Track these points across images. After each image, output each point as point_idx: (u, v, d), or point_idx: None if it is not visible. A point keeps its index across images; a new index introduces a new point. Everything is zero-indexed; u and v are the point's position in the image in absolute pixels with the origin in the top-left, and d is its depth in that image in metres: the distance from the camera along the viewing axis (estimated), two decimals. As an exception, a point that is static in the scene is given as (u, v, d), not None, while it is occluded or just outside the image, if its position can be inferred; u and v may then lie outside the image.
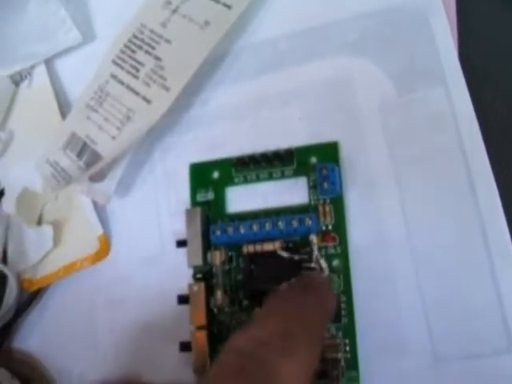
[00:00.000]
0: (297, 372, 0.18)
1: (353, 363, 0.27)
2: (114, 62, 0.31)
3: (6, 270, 0.31)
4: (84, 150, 0.30)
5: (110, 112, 0.30)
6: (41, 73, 0.33)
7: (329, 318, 0.25)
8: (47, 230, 0.31)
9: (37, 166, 0.31)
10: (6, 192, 0.33)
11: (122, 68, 0.31)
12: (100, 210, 0.32)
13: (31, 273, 0.32)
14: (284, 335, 0.20)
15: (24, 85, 0.34)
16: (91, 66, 0.31)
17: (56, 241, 0.31)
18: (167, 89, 0.29)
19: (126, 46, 0.31)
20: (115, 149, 0.29)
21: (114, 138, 0.29)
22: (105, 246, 0.31)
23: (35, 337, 0.33)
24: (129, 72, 0.30)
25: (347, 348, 0.27)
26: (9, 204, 0.32)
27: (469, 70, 0.28)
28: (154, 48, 0.30)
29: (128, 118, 0.29)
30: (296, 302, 0.22)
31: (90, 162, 0.30)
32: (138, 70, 0.30)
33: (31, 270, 0.32)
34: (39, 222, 0.32)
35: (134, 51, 0.30)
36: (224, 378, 0.18)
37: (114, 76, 0.31)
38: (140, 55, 0.30)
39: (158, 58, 0.30)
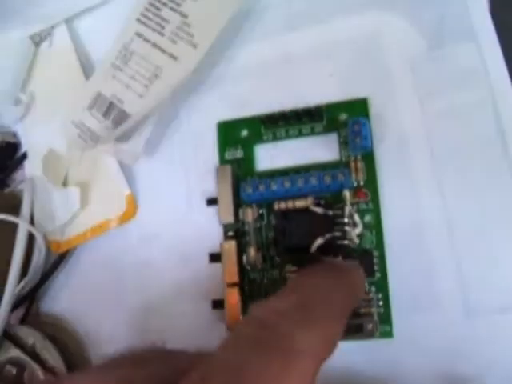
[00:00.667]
0: (315, 345, 0.18)
1: (386, 317, 0.27)
2: (139, 21, 0.30)
3: (33, 231, 0.30)
4: (111, 110, 0.30)
5: (136, 70, 0.30)
6: (62, 33, 0.33)
7: (354, 303, 0.25)
8: (74, 192, 0.31)
9: (62, 128, 0.31)
10: (30, 155, 0.33)
11: (147, 26, 0.30)
12: (126, 171, 0.32)
13: (58, 235, 0.32)
14: (303, 307, 0.19)
15: (45, 45, 0.33)
16: (112, 25, 0.31)
17: (83, 202, 0.31)
18: (195, 45, 0.29)
19: (150, 4, 0.30)
20: (143, 107, 0.29)
21: (141, 96, 0.29)
22: (132, 206, 0.31)
23: (64, 299, 0.33)
24: (154, 30, 0.30)
25: (380, 303, 0.27)
26: (33, 166, 0.32)
27: (500, 25, 0.28)
28: (179, 5, 0.29)
29: (155, 75, 0.29)
30: (321, 279, 0.22)
31: (117, 121, 0.29)
32: (163, 28, 0.29)
33: (58, 231, 0.32)
34: (65, 184, 0.32)
35: (158, 8, 0.30)
36: (242, 349, 0.18)
37: (139, 34, 0.30)
38: (165, 12, 0.30)
39: (183, 15, 0.29)
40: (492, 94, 0.27)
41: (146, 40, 0.30)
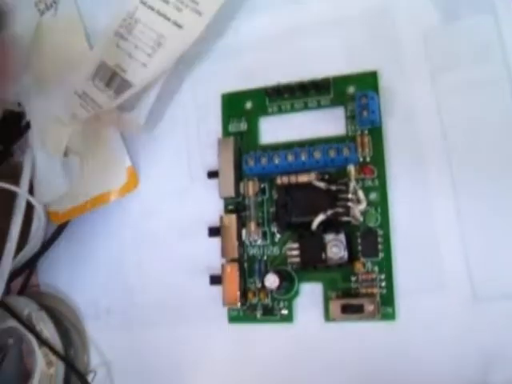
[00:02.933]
0: None
1: (388, 299, 0.26)
2: (144, -12, 0.30)
3: (32, 201, 0.30)
4: (113, 79, 0.29)
5: (140, 39, 0.29)
6: (66, 1, 0.32)
7: None
8: (73, 161, 0.30)
9: (64, 98, 0.30)
10: (32, 124, 0.32)
11: None
12: (128, 144, 0.31)
13: (58, 205, 0.31)
14: None
15: (49, 13, 0.33)
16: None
17: (83, 173, 0.30)
18: (199, 13, 0.28)
19: (156, -29, 0.29)
20: (146, 76, 0.28)
21: (144, 64, 0.29)
22: (133, 178, 0.30)
23: (62, 271, 0.32)
24: None
25: (383, 283, 0.26)
26: (35, 136, 0.32)
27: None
28: None
29: (159, 44, 0.28)
30: None
31: (119, 90, 0.29)
32: None
33: (58, 202, 0.31)
34: (65, 155, 0.31)
35: (163, -25, 0.29)
36: None
37: (143, 2, 0.29)
38: (170, -21, 0.29)
39: (189, -18, 0.28)
40: (509, 70, 0.26)
41: (151, 8, 0.29)
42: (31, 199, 0.30)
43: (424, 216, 0.26)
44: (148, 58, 0.28)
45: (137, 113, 0.29)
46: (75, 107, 0.30)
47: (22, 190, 0.30)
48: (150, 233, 0.31)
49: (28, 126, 0.33)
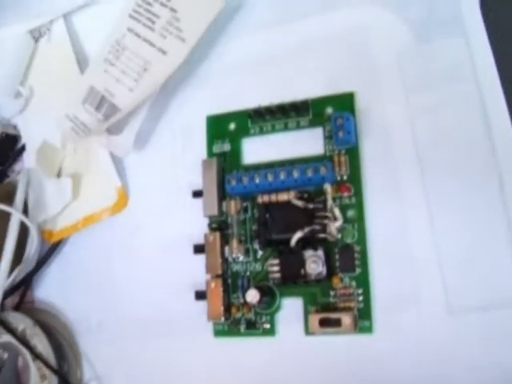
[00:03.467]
0: None
1: (366, 313, 0.27)
2: (131, 16, 0.31)
3: (27, 222, 0.31)
4: (102, 103, 0.30)
5: (127, 65, 0.30)
6: (59, 28, 0.34)
7: None
8: (66, 182, 0.32)
9: (57, 122, 0.32)
10: (27, 147, 0.34)
11: (138, 21, 0.31)
12: (118, 164, 0.32)
13: (51, 225, 0.33)
14: None
15: (43, 40, 0.34)
16: (108, 21, 0.32)
17: (75, 193, 0.32)
18: (183, 40, 0.29)
19: (142, 0, 0.31)
20: (133, 100, 0.30)
21: (131, 89, 0.30)
22: (123, 198, 0.32)
23: (56, 287, 0.34)
24: (145, 25, 0.30)
25: (360, 298, 0.27)
26: (30, 158, 0.33)
27: (489, 20, 0.27)
28: (169, 0, 0.30)
29: (145, 69, 0.30)
30: None
31: (108, 114, 0.30)
32: (154, 23, 0.30)
33: (51, 221, 0.33)
34: (58, 176, 0.33)
35: (150, 4, 0.30)
36: None
37: (130, 30, 0.31)
38: (156, 8, 0.30)
39: (173, 10, 0.30)
40: (480, 89, 0.27)
41: (138, 35, 0.30)
42: (25, 219, 0.31)
43: (399, 231, 0.27)
44: (134, 83, 0.30)
45: (125, 136, 0.31)
46: (66, 130, 0.31)
47: (15, 210, 0.31)
48: (137, 249, 0.32)
49: (24, 148, 0.34)
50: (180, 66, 0.29)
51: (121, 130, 0.31)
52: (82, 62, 0.33)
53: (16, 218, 0.31)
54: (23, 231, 0.32)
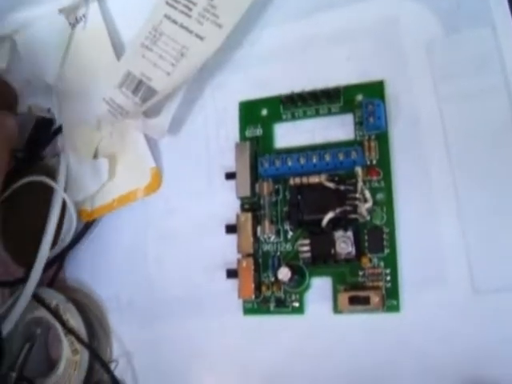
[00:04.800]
0: None
1: (393, 292, 0.28)
2: (167, 3, 0.32)
3: (66, 198, 0.32)
4: (139, 87, 0.31)
5: (164, 50, 0.31)
6: (95, 14, 0.35)
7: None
8: (103, 163, 0.33)
9: (93, 105, 0.33)
10: (64, 129, 0.35)
11: (175, 8, 0.32)
12: (152, 147, 0.33)
13: (87, 204, 0.34)
14: None
15: (79, 26, 0.35)
16: (142, 7, 0.33)
17: (111, 174, 0.33)
18: (220, 26, 0.30)
19: (178, -13, 0.32)
20: (170, 84, 0.31)
21: (168, 73, 0.31)
22: (157, 178, 0.33)
23: (88, 265, 0.35)
24: (182, 11, 0.31)
25: (388, 278, 0.28)
26: (67, 140, 0.34)
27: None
28: None
29: (182, 54, 0.31)
30: None
31: (145, 97, 0.31)
32: (190, 10, 0.31)
33: (88, 201, 0.34)
34: (95, 157, 0.34)
35: (186, -9, 0.31)
36: None
37: (167, 16, 0.32)
38: (193, -6, 0.31)
39: (209, -3, 0.31)
40: (507, 79, 0.28)
41: (174, 21, 0.31)
42: (66, 197, 0.32)
43: (427, 214, 0.28)
44: (172, 68, 0.31)
45: (161, 118, 0.31)
46: (104, 113, 0.32)
47: (59, 188, 0.32)
48: (170, 230, 0.33)
49: (59, 130, 0.35)
50: (216, 51, 0.30)
51: (157, 114, 0.32)
52: (117, 47, 0.34)
53: (59, 195, 0.32)
54: (61, 209, 0.33)
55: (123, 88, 0.32)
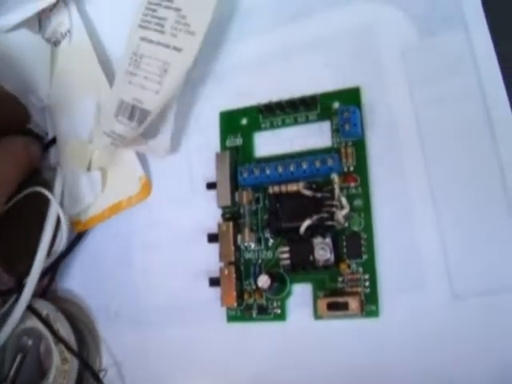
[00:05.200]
0: None
1: (372, 298, 0.28)
2: (141, 26, 0.32)
3: (60, 211, 0.33)
4: (134, 112, 0.32)
5: (147, 71, 0.32)
6: (79, 29, 0.36)
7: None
8: (96, 175, 0.34)
9: (97, 140, 0.34)
10: (58, 143, 0.36)
11: (148, 29, 0.32)
12: (139, 156, 0.34)
13: (82, 215, 0.35)
14: None
15: (65, 42, 0.36)
16: (124, 16, 0.33)
17: (103, 185, 0.34)
18: (193, 33, 0.30)
19: (147, 8, 0.32)
20: (160, 101, 0.31)
21: (157, 92, 0.31)
22: (146, 186, 0.34)
23: (77, 276, 0.35)
24: (155, 30, 0.32)
25: (367, 283, 0.28)
26: (61, 154, 0.35)
27: (491, 13, 0.28)
28: (171, 1, 0.31)
29: (165, 70, 0.31)
30: None
31: (140, 119, 0.31)
32: (163, 26, 0.31)
33: (82, 212, 0.35)
34: (88, 169, 0.35)
35: (155, 10, 0.32)
36: None
37: (143, 38, 0.32)
38: (161, 12, 0.31)
39: (178, 9, 0.31)
40: (481, 82, 0.28)
41: (150, 41, 0.32)
42: (60, 210, 0.33)
43: (404, 219, 0.28)
44: (158, 86, 0.31)
45: (161, 138, 0.32)
46: (107, 145, 0.33)
47: (54, 199, 0.33)
48: (154, 240, 0.33)
49: (49, 145, 0.36)
50: (194, 58, 0.30)
51: (155, 132, 0.33)
52: (102, 57, 0.35)
53: (54, 207, 0.33)
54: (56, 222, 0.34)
55: (119, 117, 0.32)
